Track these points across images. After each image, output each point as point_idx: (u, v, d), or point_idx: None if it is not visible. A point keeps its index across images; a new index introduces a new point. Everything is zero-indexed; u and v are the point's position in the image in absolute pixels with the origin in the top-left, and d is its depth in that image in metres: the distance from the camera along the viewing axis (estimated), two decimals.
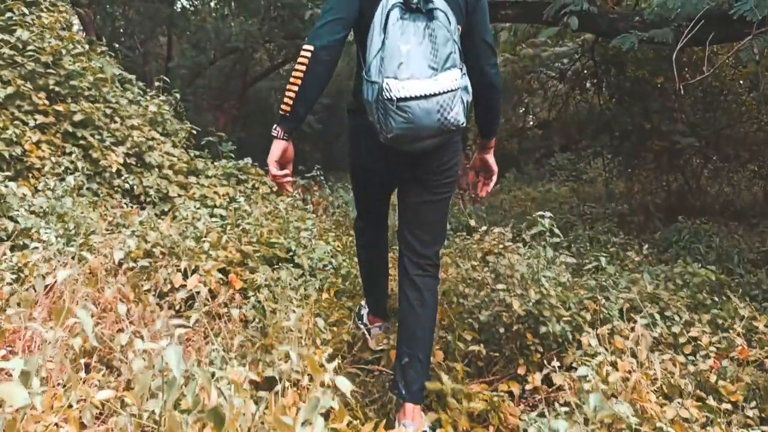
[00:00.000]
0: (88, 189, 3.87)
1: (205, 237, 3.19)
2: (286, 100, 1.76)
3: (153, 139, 4.61)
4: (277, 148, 1.80)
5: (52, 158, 3.73)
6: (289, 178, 1.85)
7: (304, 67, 1.71)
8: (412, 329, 1.88)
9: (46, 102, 3.94)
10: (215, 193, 4.64)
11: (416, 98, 1.59)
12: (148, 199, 4.16)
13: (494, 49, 1.91)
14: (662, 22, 4.75)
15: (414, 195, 1.96)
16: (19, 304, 2.06)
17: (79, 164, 3.91)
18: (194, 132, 5.59)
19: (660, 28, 4.79)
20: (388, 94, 1.59)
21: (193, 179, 4.63)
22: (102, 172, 3.98)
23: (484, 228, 3.38)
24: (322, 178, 8.80)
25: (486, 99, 1.95)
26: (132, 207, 3.96)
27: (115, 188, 4.00)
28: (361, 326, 2.27)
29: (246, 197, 5.64)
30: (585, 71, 8.77)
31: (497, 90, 1.98)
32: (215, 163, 5.84)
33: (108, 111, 4.47)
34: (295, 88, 1.72)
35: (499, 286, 2.25)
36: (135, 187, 4.12)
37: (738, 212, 6.83)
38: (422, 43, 1.61)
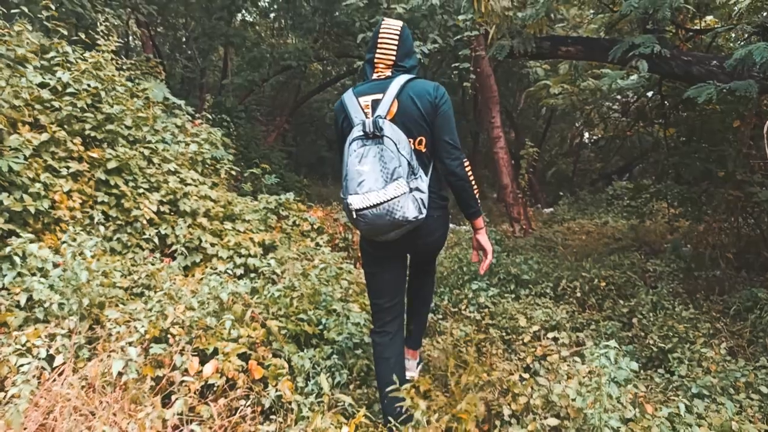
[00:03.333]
0: (117, 240, 3.72)
1: (229, 310, 2.96)
2: None
3: (189, 183, 4.45)
4: None
5: (83, 209, 3.60)
6: None
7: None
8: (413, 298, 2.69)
9: (81, 148, 3.83)
10: (251, 239, 4.45)
11: (369, 207, 2.08)
12: (180, 249, 3.99)
13: (455, 145, 2.30)
14: (744, 70, 4.27)
15: (403, 268, 2.51)
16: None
17: (111, 213, 3.77)
18: (233, 172, 5.41)
19: (741, 74, 4.32)
20: (350, 207, 2.11)
21: (228, 225, 4.45)
22: (133, 222, 3.83)
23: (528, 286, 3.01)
24: None
25: (453, 185, 2.34)
26: (161, 259, 3.79)
27: (146, 239, 3.85)
28: None
29: (286, 236, 5.46)
30: (650, 104, 8.21)
31: (460, 177, 2.30)
32: (256, 201, 5.67)
33: (146, 152, 4.34)
34: None
35: (551, 422, 1.90)
36: (167, 236, 3.96)
37: None
38: (377, 162, 2.10)
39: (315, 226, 5.95)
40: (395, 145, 2.09)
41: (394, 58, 2.28)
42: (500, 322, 3.87)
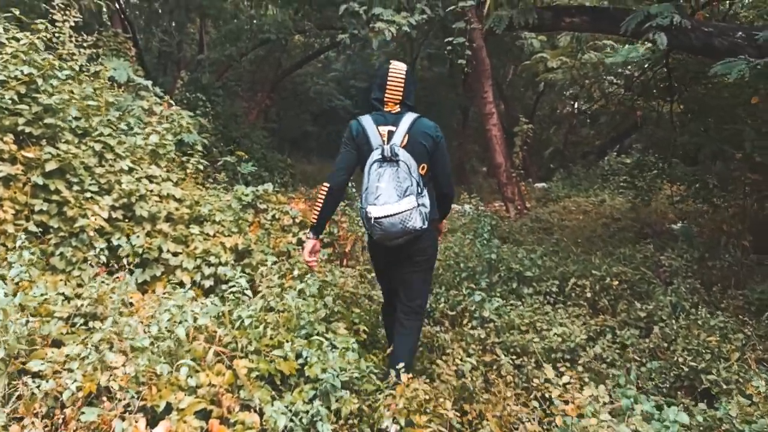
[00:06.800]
0: (60, 256, 3.17)
1: (187, 350, 2.44)
2: (313, 214, 2.79)
3: (149, 179, 3.87)
4: (309, 244, 2.82)
5: (15, 222, 3.04)
6: (315, 262, 2.83)
7: (323, 196, 2.74)
8: (396, 348, 2.83)
9: (14, 147, 3.24)
10: (221, 244, 3.91)
11: (386, 217, 2.54)
12: (136, 261, 3.45)
13: (450, 174, 2.87)
14: None
15: (401, 269, 2.86)
16: None
17: (52, 224, 3.21)
18: (201, 166, 4.82)
19: None
20: (369, 215, 2.56)
21: (195, 229, 3.89)
22: (79, 233, 3.27)
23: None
24: (353, 189, 7.76)
25: (441, 201, 2.91)
26: (115, 277, 3.25)
27: (96, 253, 3.29)
28: None
29: (264, 232, 4.92)
30: (654, 78, 7.63)
31: (449, 197, 2.94)
32: (231, 193, 5.11)
33: (97, 147, 3.75)
34: (318, 209, 2.77)
35: None
36: (120, 248, 3.41)
37: None
38: (392, 180, 2.56)
39: (297, 220, 5.40)
40: (408, 168, 2.56)
41: (401, 97, 2.72)
42: (507, 338, 3.40)
